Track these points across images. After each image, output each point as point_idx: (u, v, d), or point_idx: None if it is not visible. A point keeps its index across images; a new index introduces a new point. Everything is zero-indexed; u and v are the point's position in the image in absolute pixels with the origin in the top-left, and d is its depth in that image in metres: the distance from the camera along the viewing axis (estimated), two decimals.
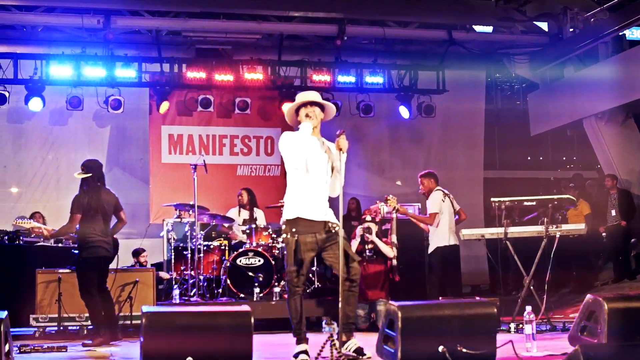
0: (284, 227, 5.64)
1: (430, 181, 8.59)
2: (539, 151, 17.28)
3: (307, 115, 5.63)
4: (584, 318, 5.43)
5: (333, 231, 5.58)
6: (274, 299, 8.71)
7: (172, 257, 9.24)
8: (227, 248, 9.42)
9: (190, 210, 9.10)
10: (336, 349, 5.00)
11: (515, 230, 7.96)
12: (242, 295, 8.78)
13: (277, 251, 9.15)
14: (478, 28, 12.38)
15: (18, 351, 6.32)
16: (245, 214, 9.98)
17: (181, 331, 4.67)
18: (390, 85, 12.07)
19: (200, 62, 11.37)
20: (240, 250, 9.04)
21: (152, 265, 9.63)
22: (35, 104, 10.82)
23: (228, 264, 8.93)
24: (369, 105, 11.91)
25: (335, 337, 5.12)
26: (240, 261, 8.91)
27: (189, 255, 8.96)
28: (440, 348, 4.73)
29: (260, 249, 9.01)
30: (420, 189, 8.70)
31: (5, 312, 5.06)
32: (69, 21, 10.77)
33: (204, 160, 9.14)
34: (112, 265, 7.39)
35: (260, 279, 8.82)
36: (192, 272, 8.92)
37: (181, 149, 11.91)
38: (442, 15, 11.47)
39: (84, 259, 7.05)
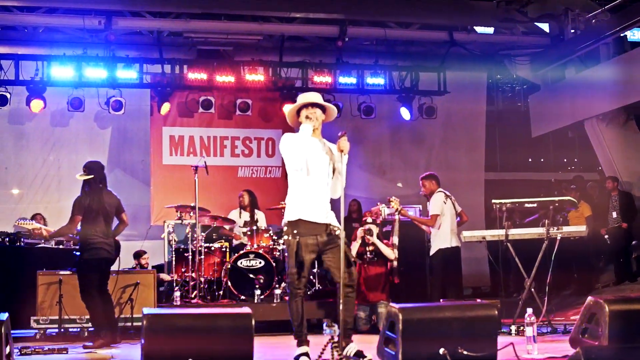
0: (285, 228, 5.64)
1: (432, 183, 8.59)
2: (540, 153, 17.26)
3: (307, 117, 5.62)
4: (585, 320, 5.43)
5: (334, 234, 5.57)
6: (274, 301, 8.70)
7: (173, 258, 9.23)
8: (228, 250, 9.42)
9: (191, 212, 9.10)
10: (337, 351, 4.99)
11: (516, 232, 7.96)
12: (242, 297, 8.77)
13: (278, 253, 9.15)
14: (479, 29, 12.37)
15: (19, 353, 6.32)
16: (246, 216, 9.98)
17: (182, 333, 4.68)
18: (391, 86, 12.07)
19: (202, 63, 11.36)
20: (241, 252, 9.03)
21: (153, 267, 9.63)
22: (36, 105, 10.81)
23: (229, 266, 8.92)
24: (370, 107, 11.91)
25: (336, 339, 5.12)
26: (241, 263, 8.91)
27: (190, 257, 8.96)
28: (441, 350, 4.73)
29: (261, 251, 9.01)
30: (421, 190, 8.69)
31: (6, 314, 5.06)
32: (71, 22, 10.76)
33: (205, 162, 9.16)
34: (114, 267, 7.40)
35: (261, 280, 8.81)
36: (193, 274, 8.92)
37: (182, 151, 11.91)
38: (443, 16, 11.46)
39: (85, 260, 7.05)
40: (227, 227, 9.87)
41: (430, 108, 12.09)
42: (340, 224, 5.54)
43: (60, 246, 8.65)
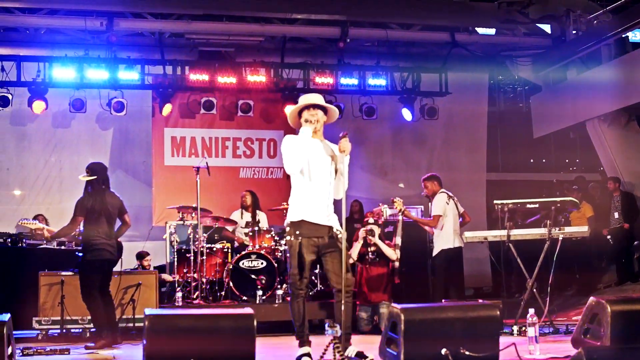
0: (288, 229, 5.64)
1: (434, 184, 8.59)
2: (541, 153, 17.27)
3: (307, 120, 5.61)
4: (587, 320, 5.43)
5: (336, 238, 5.57)
6: (276, 301, 8.71)
7: (175, 259, 9.25)
8: (229, 250, 9.43)
9: (193, 213, 9.11)
10: (339, 351, 4.99)
11: (518, 233, 7.95)
12: (244, 297, 8.78)
13: (280, 254, 9.16)
14: (481, 30, 12.35)
15: (21, 354, 6.33)
16: (247, 217, 9.98)
17: (184, 334, 4.68)
18: (393, 87, 12.06)
19: (203, 65, 11.37)
20: (243, 252, 9.04)
21: (154, 267, 9.62)
22: (38, 106, 10.81)
23: (231, 267, 8.93)
24: (372, 108, 11.92)
25: (337, 340, 5.12)
26: (243, 264, 8.92)
27: (192, 258, 8.97)
28: (443, 350, 4.73)
29: (263, 252, 9.01)
30: (423, 191, 8.70)
31: (8, 315, 5.06)
32: (72, 23, 10.77)
33: (206, 163, 9.18)
34: (116, 268, 7.40)
35: (263, 281, 8.82)
36: (195, 275, 8.92)
37: (184, 152, 11.92)
38: (445, 18, 11.46)
39: (88, 261, 7.05)
40: (229, 227, 9.87)
41: (432, 109, 12.09)
42: (342, 225, 5.55)
43: (62, 247, 8.67)
